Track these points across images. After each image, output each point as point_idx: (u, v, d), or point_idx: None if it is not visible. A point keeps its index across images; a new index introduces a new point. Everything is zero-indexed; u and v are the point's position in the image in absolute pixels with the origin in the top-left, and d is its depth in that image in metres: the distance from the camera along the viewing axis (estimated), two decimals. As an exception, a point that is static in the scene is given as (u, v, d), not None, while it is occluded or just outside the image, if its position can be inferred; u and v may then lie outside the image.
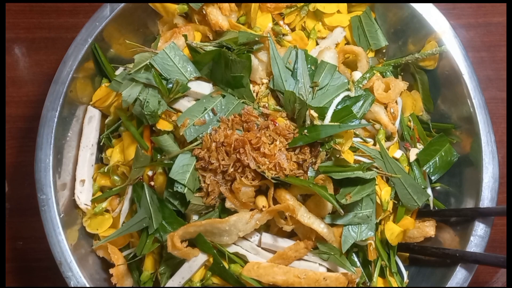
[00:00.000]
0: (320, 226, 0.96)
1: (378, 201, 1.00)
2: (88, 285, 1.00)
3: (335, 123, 0.98)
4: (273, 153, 0.94)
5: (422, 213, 1.08)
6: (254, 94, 1.03)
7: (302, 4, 1.13)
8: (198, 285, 0.99)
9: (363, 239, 0.98)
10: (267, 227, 1.01)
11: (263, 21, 1.12)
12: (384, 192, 1.01)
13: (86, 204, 1.07)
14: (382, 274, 1.05)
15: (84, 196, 1.07)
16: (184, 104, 1.01)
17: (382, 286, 1.05)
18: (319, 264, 0.99)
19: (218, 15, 1.07)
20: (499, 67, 1.30)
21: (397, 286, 1.04)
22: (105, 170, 1.07)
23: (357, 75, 1.08)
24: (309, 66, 1.04)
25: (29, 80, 1.29)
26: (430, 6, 1.06)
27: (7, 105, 1.27)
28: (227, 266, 0.98)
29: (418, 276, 1.08)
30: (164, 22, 1.13)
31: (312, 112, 0.97)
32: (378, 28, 1.14)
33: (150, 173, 1.01)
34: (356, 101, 1.02)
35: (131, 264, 1.05)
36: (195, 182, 0.97)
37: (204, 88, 1.02)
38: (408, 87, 1.10)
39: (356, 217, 0.98)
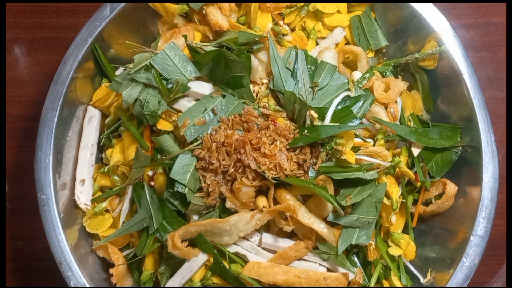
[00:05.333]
0: (320, 226, 0.96)
1: (388, 202, 1.00)
2: (88, 285, 1.00)
3: (335, 124, 0.98)
4: (274, 153, 0.94)
5: None
6: (254, 94, 1.03)
7: (302, 4, 1.13)
8: (198, 285, 0.99)
9: (359, 243, 0.98)
10: (267, 227, 1.01)
11: (263, 21, 1.12)
12: (394, 192, 1.01)
13: (86, 204, 1.07)
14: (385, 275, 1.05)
15: (84, 196, 1.07)
16: (184, 104, 1.01)
17: (383, 286, 1.05)
18: (319, 264, 0.99)
19: (218, 15, 1.06)
20: (499, 67, 1.29)
21: (400, 285, 1.04)
22: (105, 170, 1.07)
23: (357, 75, 1.08)
24: (309, 66, 1.04)
25: (29, 80, 1.28)
26: (430, 6, 1.05)
27: (7, 105, 1.27)
28: (227, 266, 0.98)
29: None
30: (164, 22, 1.13)
31: (312, 112, 0.97)
32: (378, 28, 1.13)
33: (150, 173, 1.01)
34: (356, 101, 1.02)
35: (131, 264, 1.05)
36: (195, 182, 0.97)
37: (204, 88, 1.02)
38: (408, 87, 1.09)
39: (358, 220, 0.97)
